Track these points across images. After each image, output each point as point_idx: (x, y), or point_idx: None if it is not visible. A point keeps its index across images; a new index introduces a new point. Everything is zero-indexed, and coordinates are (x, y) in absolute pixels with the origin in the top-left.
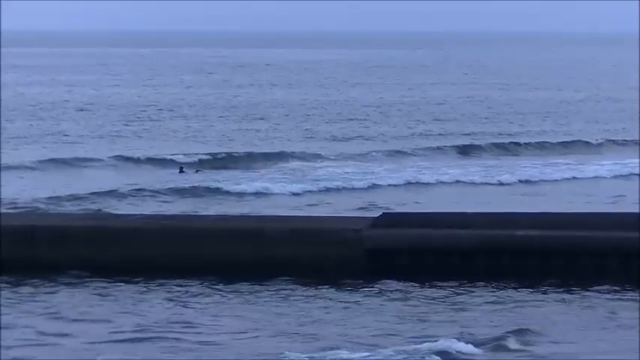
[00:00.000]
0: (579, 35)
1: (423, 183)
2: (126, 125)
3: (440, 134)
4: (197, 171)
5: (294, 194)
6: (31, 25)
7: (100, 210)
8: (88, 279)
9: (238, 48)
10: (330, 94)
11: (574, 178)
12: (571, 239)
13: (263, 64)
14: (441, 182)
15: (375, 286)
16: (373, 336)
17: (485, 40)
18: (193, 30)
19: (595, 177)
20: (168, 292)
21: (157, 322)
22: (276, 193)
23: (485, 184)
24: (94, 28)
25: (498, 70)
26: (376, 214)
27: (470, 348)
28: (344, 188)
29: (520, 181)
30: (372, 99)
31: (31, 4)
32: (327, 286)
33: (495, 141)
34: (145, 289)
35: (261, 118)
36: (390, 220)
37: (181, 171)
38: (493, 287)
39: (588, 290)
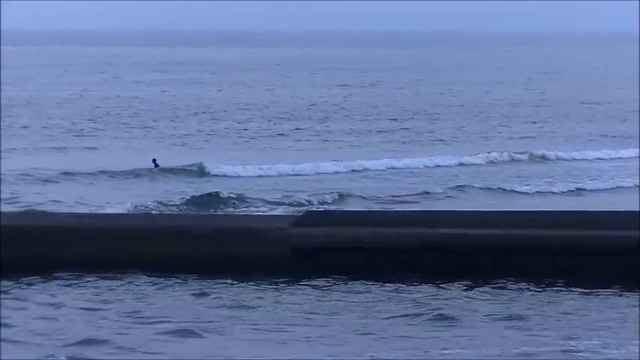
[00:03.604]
0: (581, 35)
1: None
2: None
3: None
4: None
5: None
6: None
7: None
8: None
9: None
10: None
11: None
12: (497, 238)
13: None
14: None
15: (299, 284)
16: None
17: (478, 40)
18: (191, 29)
19: None
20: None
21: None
22: None
23: None
24: (90, 27)
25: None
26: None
27: None
28: None
29: None
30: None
31: (28, 4)
32: (251, 284)
33: None
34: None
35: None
36: (315, 218)
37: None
38: (416, 285)
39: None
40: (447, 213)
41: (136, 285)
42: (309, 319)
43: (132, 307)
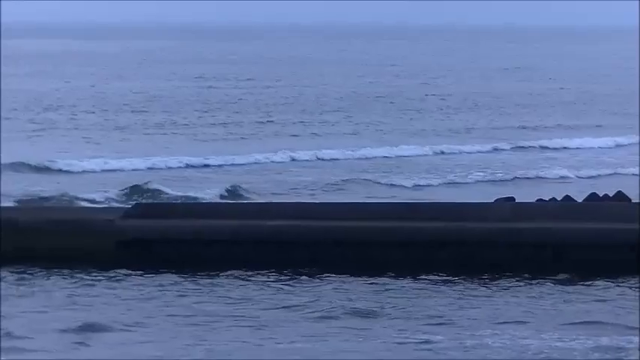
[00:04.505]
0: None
1: None
2: None
3: None
4: None
5: None
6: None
7: None
8: None
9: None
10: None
11: None
12: (328, 229)
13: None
14: None
15: (126, 276)
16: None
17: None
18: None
19: None
20: None
21: None
22: None
23: None
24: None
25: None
26: None
27: None
28: None
29: None
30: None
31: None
32: (78, 276)
33: None
34: None
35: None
36: (144, 210)
37: None
38: (241, 278)
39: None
40: (279, 205)
41: None
42: (133, 311)
43: None
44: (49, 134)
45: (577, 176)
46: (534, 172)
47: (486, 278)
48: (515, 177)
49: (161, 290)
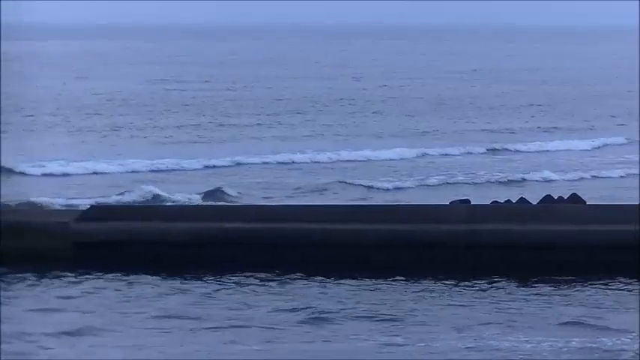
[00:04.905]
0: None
1: None
2: None
3: None
4: None
5: None
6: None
7: None
8: None
9: None
10: None
11: None
12: (275, 231)
13: None
14: None
15: (82, 280)
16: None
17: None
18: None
19: None
20: None
21: None
22: None
23: None
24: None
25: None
26: None
27: None
28: None
29: None
30: None
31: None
32: (32, 279)
33: None
34: None
35: None
36: (100, 212)
37: None
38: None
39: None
40: (233, 207)
41: None
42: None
43: None
44: (13, 136)
45: (547, 179)
46: (506, 175)
47: (451, 279)
48: (488, 180)
49: (117, 293)
